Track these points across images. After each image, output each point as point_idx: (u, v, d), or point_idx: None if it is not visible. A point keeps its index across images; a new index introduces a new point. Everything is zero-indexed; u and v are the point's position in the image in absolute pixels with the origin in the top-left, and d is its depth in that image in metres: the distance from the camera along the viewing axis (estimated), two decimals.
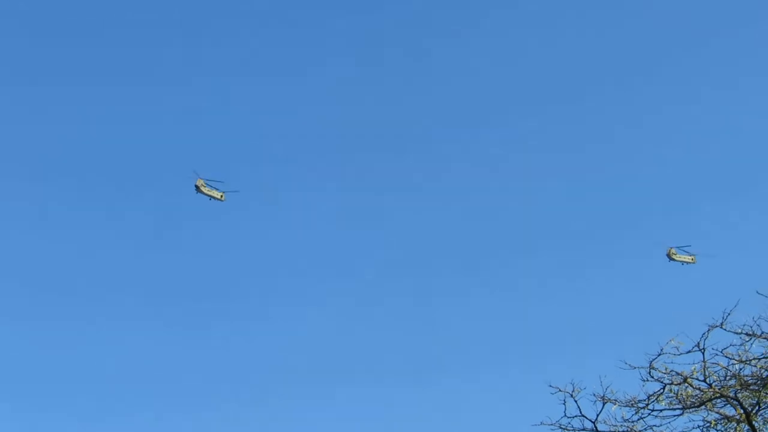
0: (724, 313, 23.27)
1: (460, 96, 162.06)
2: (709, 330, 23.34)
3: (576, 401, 24.01)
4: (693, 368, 23.52)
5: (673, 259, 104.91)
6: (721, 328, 23.42)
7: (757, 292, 23.63)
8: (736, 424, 23.95)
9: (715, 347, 23.47)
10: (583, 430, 24.18)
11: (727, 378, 23.53)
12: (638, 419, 24.08)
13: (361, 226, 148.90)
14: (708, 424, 23.97)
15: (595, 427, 24.09)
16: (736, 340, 23.50)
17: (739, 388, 23.36)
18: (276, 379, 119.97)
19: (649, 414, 24.03)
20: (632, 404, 24.00)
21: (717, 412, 24.00)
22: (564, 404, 24.05)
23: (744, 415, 23.08)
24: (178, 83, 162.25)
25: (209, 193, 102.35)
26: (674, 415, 24.02)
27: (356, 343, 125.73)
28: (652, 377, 23.70)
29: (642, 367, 23.72)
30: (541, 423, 24.25)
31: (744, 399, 23.35)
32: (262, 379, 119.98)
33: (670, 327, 24.58)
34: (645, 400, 23.91)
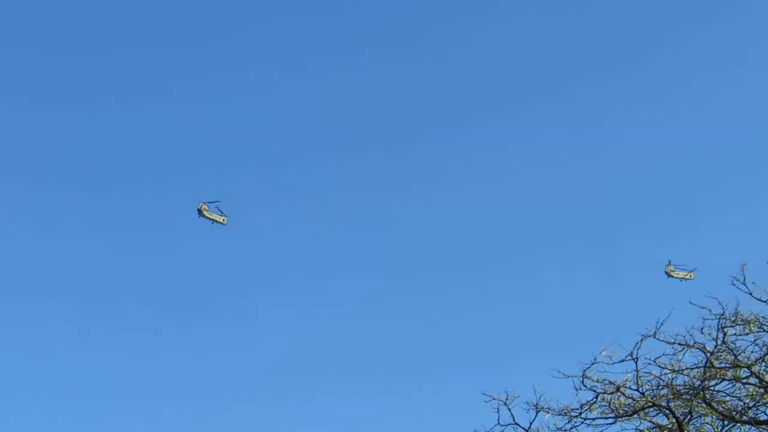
0: (657, 322, 23.47)
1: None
2: (642, 340, 23.51)
3: (510, 409, 24.08)
4: (626, 377, 23.66)
5: (672, 276, 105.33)
6: (654, 337, 23.61)
7: (690, 302, 23.89)
8: None
9: (648, 357, 23.67)
10: None
11: (660, 387, 23.71)
12: (571, 428, 24.18)
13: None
14: None
15: None
16: (669, 349, 23.72)
17: (671, 397, 23.54)
18: (269, 379, 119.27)
19: (582, 423, 24.13)
20: (565, 413, 24.09)
21: (649, 421, 24.17)
22: (498, 412, 24.09)
23: (676, 425, 23.28)
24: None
25: (211, 216, 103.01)
26: (607, 424, 24.15)
27: None
28: (585, 386, 23.82)
29: (575, 376, 23.84)
30: (475, 431, 24.27)
31: (676, 408, 23.54)
32: (259, 378, 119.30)
33: (604, 336, 24.75)
34: (578, 409, 24.02)
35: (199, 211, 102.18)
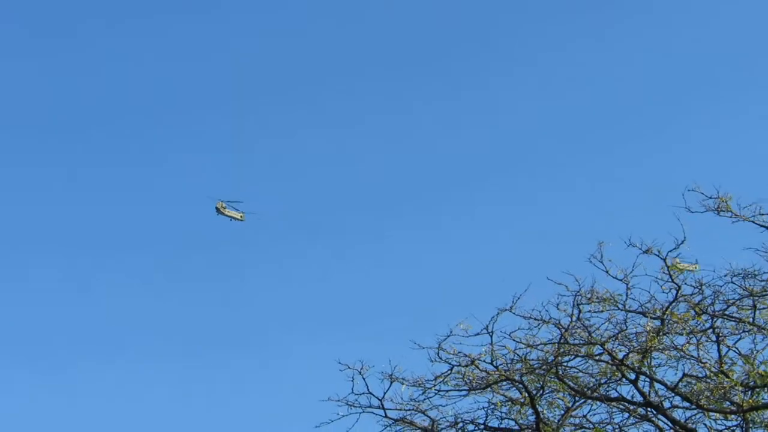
0: (514, 297, 23.60)
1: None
2: (498, 314, 23.64)
3: (364, 379, 23.94)
4: (481, 351, 23.74)
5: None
6: (511, 312, 23.72)
7: (547, 278, 24.10)
8: (520, 407, 24.27)
9: (503, 331, 23.78)
10: (370, 407, 24.08)
11: (514, 362, 23.81)
12: (425, 399, 24.16)
13: None
14: (493, 406, 24.19)
15: (382, 405, 24.05)
16: (525, 324, 23.85)
17: (524, 371, 23.65)
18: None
19: (436, 394, 24.13)
20: (419, 384, 24.06)
21: (502, 395, 24.27)
22: (352, 381, 23.93)
23: (528, 398, 23.36)
24: None
25: (230, 214, 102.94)
26: (460, 396, 24.19)
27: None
28: (441, 358, 23.83)
29: (431, 348, 23.84)
30: (329, 399, 24.08)
31: (529, 383, 23.64)
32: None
33: (461, 309, 24.79)
34: (432, 381, 24.01)
35: (217, 209, 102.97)
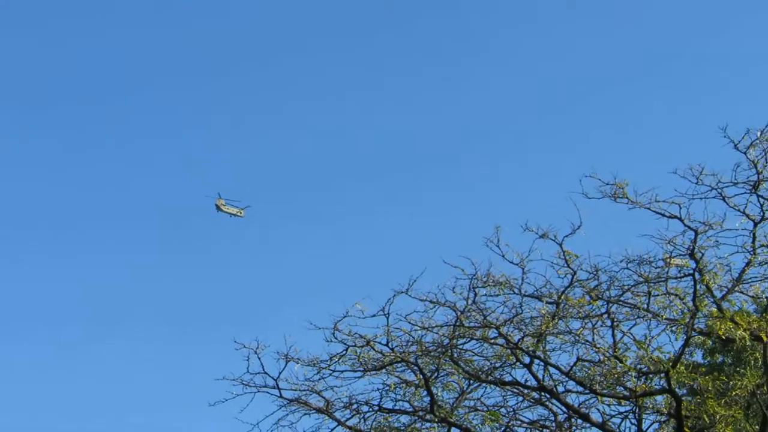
0: (410, 279, 23.57)
1: None
2: (394, 296, 23.58)
3: (260, 358, 23.88)
4: (378, 333, 23.72)
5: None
6: (407, 294, 23.70)
7: (444, 261, 24.10)
8: (414, 389, 24.31)
9: (399, 313, 23.75)
10: (265, 386, 24.04)
11: (409, 344, 23.83)
12: (319, 379, 24.14)
13: None
14: (387, 388, 24.22)
15: (277, 385, 24.01)
16: (421, 307, 23.85)
17: (419, 354, 23.68)
18: None
19: (331, 374, 24.12)
20: (314, 364, 24.03)
21: (397, 377, 24.31)
22: (248, 361, 23.87)
23: (423, 381, 23.41)
24: None
25: (229, 210, 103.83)
26: (355, 377, 24.21)
27: None
28: (336, 339, 23.79)
29: (326, 328, 23.78)
30: (224, 378, 24.02)
31: (424, 365, 23.69)
32: None
33: (358, 290, 24.77)
34: (327, 361, 23.97)
35: (217, 207, 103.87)
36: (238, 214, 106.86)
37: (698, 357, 28.77)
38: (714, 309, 23.96)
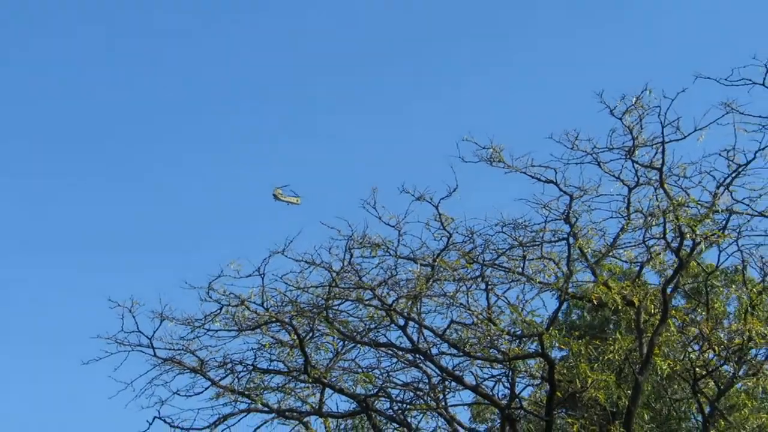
0: (286, 240, 23.52)
1: None
2: (270, 255, 23.48)
3: (134, 317, 23.77)
4: (251, 292, 23.65)
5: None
6: (283, 254, 23.64)
7: (321, 222, 24.10)
8: (289, 349, 24.36)
9: (275, 273, 23.70)
10: (140, 345, 23.98)
11: (284, 304, 23.82)
12: (194, 338, 24.12)
13: None
14: (262, 347, 24.26)
15: (151, 344, 23.95)
16: (296, 267, 23.82)
17: (294, 314, 23.67)
18: None
19: (205, 333, 24.10)
20: (189, 323, 23.97)
21: (272, 337, 24.32)
22: (122, 319, 23.77)
23: (298, 341, 23.40)
24: None
25: (287, 199, 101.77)
26: (230, 337, 24.19)
27: None
28: (211, 298, 23.71)
29: (201, 288, 23.69)
30: (98, 336, 23.92)
31: (299, 325, 23.68)
32: None
33: (236, 251, 24.64)
34: (201, 320, 23.93)
35: (275, 196, 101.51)
36: (296, 202, 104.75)
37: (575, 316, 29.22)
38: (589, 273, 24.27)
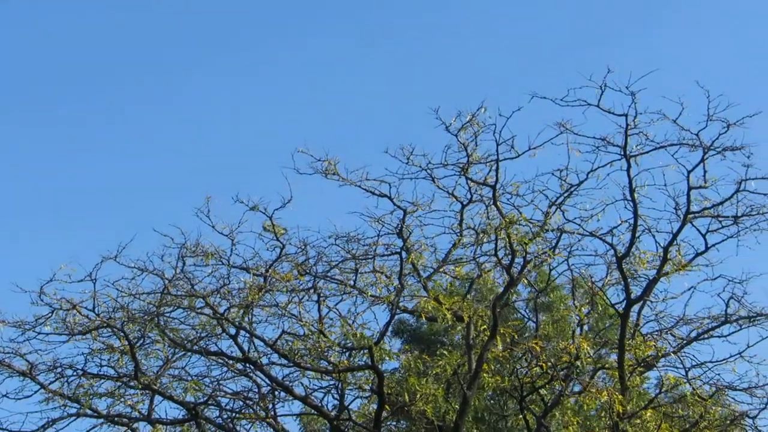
0: (119, 246, 23.61)
1: None
2: (102, 261, 23.54)
3: None
4: (84, 297, 23.71)
5: None
6: (116, 261, 23.72)
7: (154, 229, 24.20)
8: (120, 355, 24.40)
9: (108, 279, 23.75)
10: None
11: (116, 309, 23.87)
12: (24, 341, 24.07)
13: None
14: (92, 352, 24.30)
15: None
16: (129, 273, 23.90)
17: (125, 320, 23.73)
18: None
19: (36, 337, 24.08)
20: (20, 325, 23.96)
21: (102, 342, 24.36)
22: None
23: (128, 347, 23.45)
24: None
25: None
26: (61, 341, 24.18)
27: None
28: (42, 301, 23.70)
29: (33, 291, 23.67)
30: None
31: (130, 332, 23.72)
32: None
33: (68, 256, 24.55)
34: (32, 323, 23.93)
35: None
36: None
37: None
38: (421, 288, 24.52)
